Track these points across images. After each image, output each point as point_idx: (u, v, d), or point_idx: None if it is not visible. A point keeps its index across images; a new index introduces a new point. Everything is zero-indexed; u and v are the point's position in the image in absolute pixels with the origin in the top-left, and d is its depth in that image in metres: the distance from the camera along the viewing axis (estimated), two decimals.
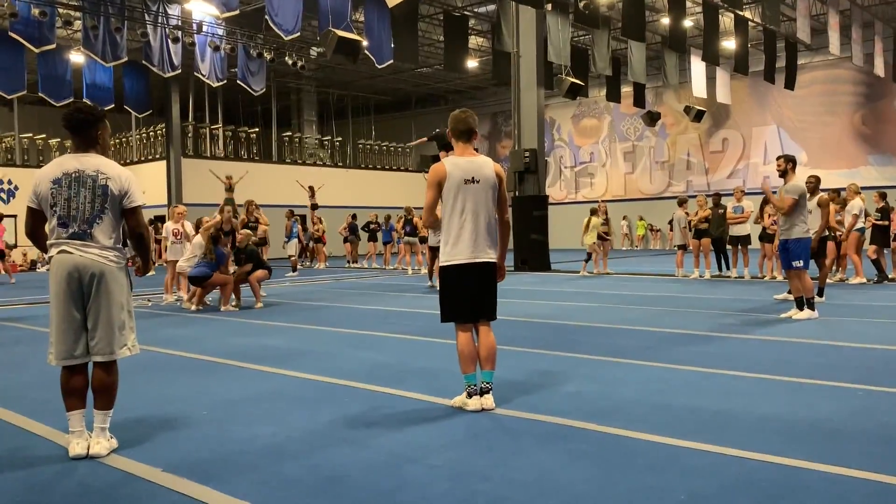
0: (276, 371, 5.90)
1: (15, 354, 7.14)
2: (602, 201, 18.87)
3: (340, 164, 32.73)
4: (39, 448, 3.91)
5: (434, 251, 12.60)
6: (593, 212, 16.23)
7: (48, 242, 3.83)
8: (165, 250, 12.40)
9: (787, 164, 8.52)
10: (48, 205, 3.76)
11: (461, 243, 4.46)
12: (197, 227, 11.37)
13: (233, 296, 10.79)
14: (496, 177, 4.57)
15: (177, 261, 11.75)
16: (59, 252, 3.75)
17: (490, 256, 4.54)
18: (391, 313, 9.97)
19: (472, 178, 4.47)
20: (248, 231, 11.77)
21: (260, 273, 11.07)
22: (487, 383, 4.51)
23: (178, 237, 11.83)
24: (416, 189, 33.69)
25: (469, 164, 4.52)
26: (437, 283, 12.13)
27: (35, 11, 16.14)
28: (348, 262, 22.52)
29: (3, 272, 18.59)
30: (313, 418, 4.40)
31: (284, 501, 3.06)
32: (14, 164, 27.24)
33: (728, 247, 14.54)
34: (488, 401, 4.45)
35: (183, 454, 3.73)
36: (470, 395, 4.48)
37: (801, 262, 8.27)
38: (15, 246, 23.39)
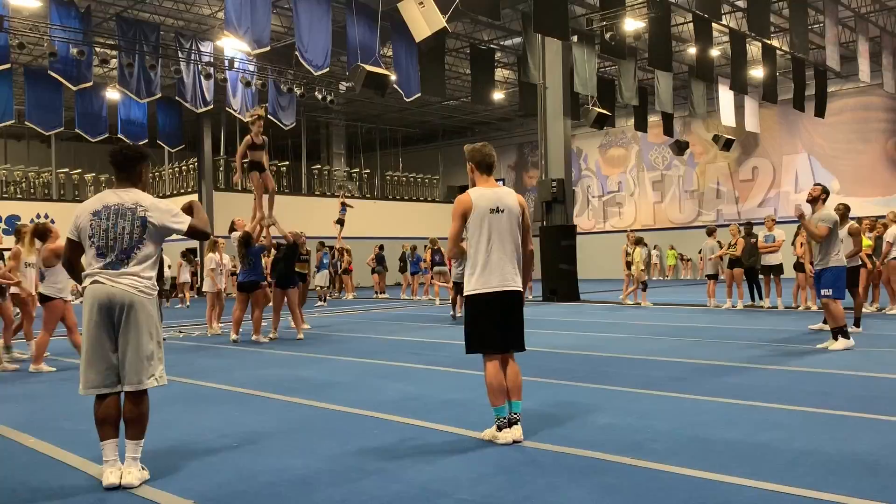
0: (306, 402, 5.89)
1: (49, 385, 7.22)
2: (631, 231, 18.75)
3: (368, 195, 33.00)
4: (72, 479, 3.94)
5: (457, 285, 12.49)
6: (639, 241, 16.15)
7: (84, 273, 3.91)
8: (201, 281, 12.59)
9: (822, 194, 8.46)
10: (86, 235, 3.85)
11: (489, 272, 4.46)
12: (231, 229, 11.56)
13: (264, 327, 10.79)
14: (519, 206, 4.62)
15: (217, 292, 11.85)
16: (92, 282, 3.82)
17: (517, 285, 4.56)
18: (420, 344, 9.94)
19: (497, 207, 4.51)
20: (298, 232, 11.74)
21: (294, 293, 10.97)
22: (516, 414, 4.47)
23: (221, 267, 11.98)
24: (443, 220, 33.80)
25: (494, 193, 4.57)
26: (459, 314, 12.14)
27: (73, 51, 16.63)
28: (376, 292, 22.58)
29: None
30: (343, 450, 4.38)
31: None
32: (51, 199, 27.90)
33: (760, 276, 14.33)
34: (517, 432, 4.41)
35: (214, 486, 3.73)
36: (500, 428, 4.42)
37: (831, 291, 8.12)
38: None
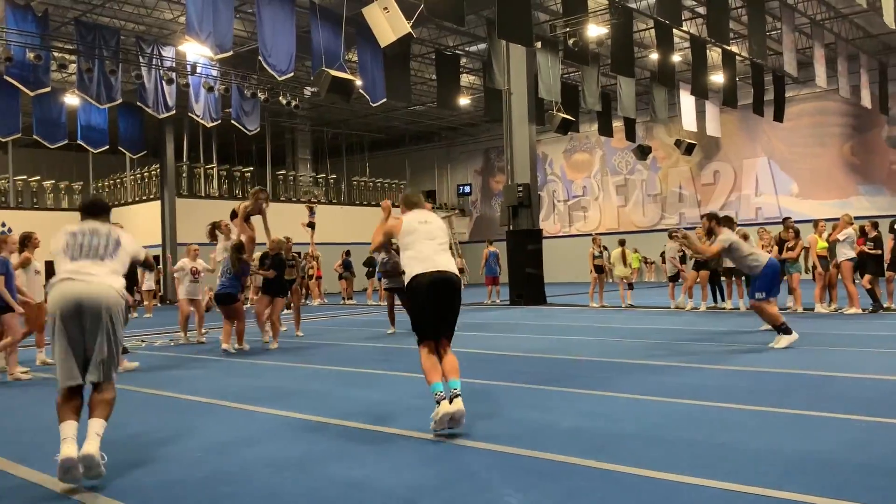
0: (270, 411, 5.83)
1: (6, 398, 7.05)
2: (597, 234, 18.93)
3: (335, 201, 32.83)
4: (29, 491, 3.85)
5: (392, 293, 12.18)
6: (622, 243, 16.37)
7: (52, 280, 4.11)
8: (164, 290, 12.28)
9: (711, 222, 9.12)
10: (62, 250, 4.16)
11: (422, 260, 5.03)
12: (213, 229, 11.33)
13: (234, 338, 10.44)
14: (444, 223, 5.49)
15: (192, 299, 11.60)
16: (61, 280, 4.04)
17: (453, 270, 5.08)
18: (386, 350, 9.91)
19: (425, 220, 5.27)
20: (280, 239, 11.17)
21: (280, 302, 10.77)
22: (455, 390, 4.75)
23: (196, 275, 11.66)
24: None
25: (421, 214, 5.34)
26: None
27: (30, 55, 16.26)
28: (343, 298, 22.45)
29: None
30: (308, 458, 4.35)
31: None
32: (8, 207, 27.23)
33: (723, 278, 14.56)
34: (457, 405, 4.67)
35: (176, 497, 3.67)
36: (438, 402, 4.68)
37: (764, 293, 8.57)
38: None
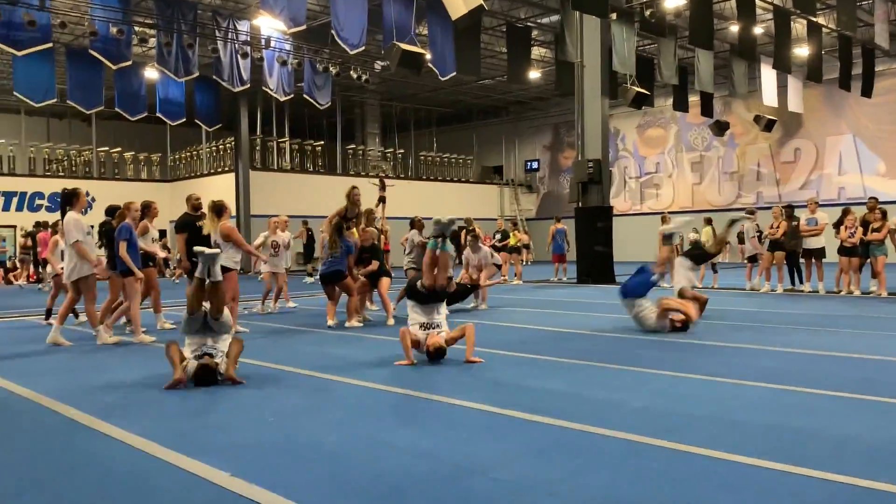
0: (342, 380, 5.92)
1: (96, 360, 7.38)
2: (668, 213, 18.47)
3: (402, 175, 32.99)
4: (112, 450, 4.01)
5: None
6: (709, 221, 15.99)
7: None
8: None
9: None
10: None
11: None
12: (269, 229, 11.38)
13: (358, 312, 10.07)
14: None
15: (274, 272, 11.75)
16: None
17: None
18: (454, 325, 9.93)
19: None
20: (374, 229, 10.78)
21: (386, 282, 10.40)
22: None
23: (276, 249, 11.70)
24: (477, 200, 33.70)
25: None
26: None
27: (113, 30, 16.79)
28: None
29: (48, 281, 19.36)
30: (377, 427, 4.40)
31: None
32: (92, 177, 28.39)
33: (801, 260, 14.03)
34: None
35: (249, 460, 3.77)
36: None
37: None
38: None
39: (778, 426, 4.26)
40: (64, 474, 3.66)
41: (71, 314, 9.96)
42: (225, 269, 8.36)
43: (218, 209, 8.65)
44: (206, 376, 5.62)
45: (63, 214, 8.25)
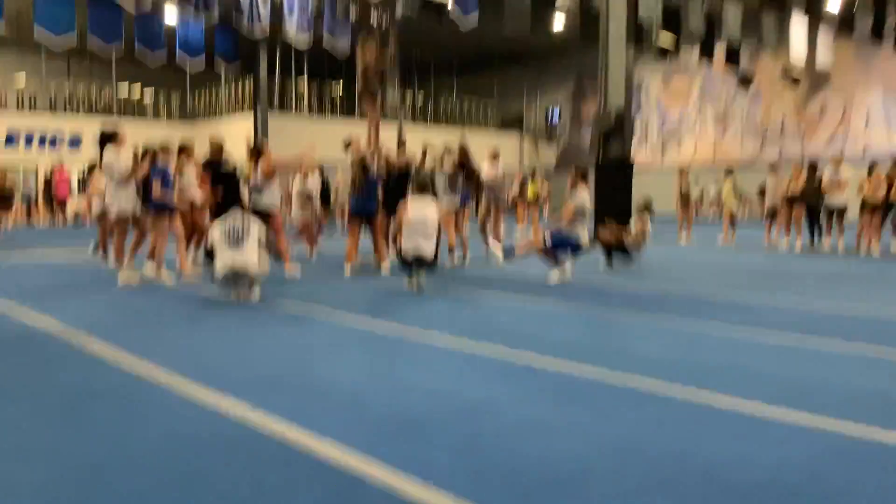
0: (358, 321, 6.01)
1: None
2: (684, 168, 18.27)
3: (422, 120, 32.75)
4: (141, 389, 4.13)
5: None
6: (729, 172, 15.87)
7: None
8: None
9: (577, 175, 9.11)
10: None
11: None
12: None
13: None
14: None
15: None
16: None
17: None
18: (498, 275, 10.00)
19: None
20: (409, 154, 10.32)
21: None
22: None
23: (310, 197, 11.29)
24: (498, 146, 33.39)
25: None
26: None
27: None
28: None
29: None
30: (394, 368, 4.49)
31: (369, 441, 3.14)
32: (111, 115, 28.41)
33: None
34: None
35: (268, 394, 3.87)
36: None
37: None
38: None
39: (796, 377, 4.30)
40: (85, 404, 3.78)
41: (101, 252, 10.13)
42: (268, 215, 8.65)
43: (258, 151, 8.98)
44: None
45: (102, 152, 8.18)
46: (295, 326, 5.87)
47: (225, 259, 6.63)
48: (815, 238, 13.97)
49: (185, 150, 9.15)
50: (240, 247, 6.67)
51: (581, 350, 4.97)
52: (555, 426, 3.41)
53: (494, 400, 3.81)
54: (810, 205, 13.56)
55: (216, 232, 6.79)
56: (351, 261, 9.40)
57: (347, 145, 10.14)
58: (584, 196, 8.92)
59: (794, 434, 3.32)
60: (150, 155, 8.47)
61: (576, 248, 8.89)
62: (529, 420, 3.49)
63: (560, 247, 8.85)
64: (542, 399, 3.85)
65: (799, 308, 6.95)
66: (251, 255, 6.69)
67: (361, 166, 9.46)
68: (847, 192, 13.11)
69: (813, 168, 13.70)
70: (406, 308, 6.73)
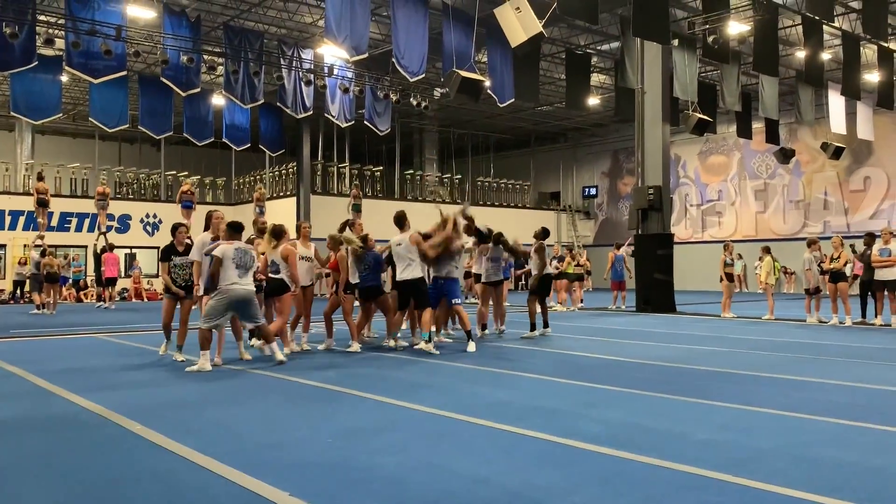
0: (397, 403, 5.93)
1: (151, 373, 7.57)
2: (730, 241, 18.08)
3: (460, 201, 33.11)
4: (180, 468, 4.10)
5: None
6: (767, 250, 15.56)
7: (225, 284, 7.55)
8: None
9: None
10: (230, 260, 7.59)
11: None
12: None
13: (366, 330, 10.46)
14: None
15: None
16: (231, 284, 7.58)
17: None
18: (513, 350, 9.87)
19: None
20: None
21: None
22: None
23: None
24: (534, 225, 33.45)
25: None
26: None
27: (184, 58, 17.46)
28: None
29: (107, 299, 20.05)
30: (434, 451, 4.38)
31: None
32: (159, 200, 29.36)
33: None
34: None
35: (308, 480, 3.80)
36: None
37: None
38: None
39: (850, 463, 4.09)
40: (128, 487, 3.75)
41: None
42: (282, 289, 8.84)
43: (277, 233, 8.99)
44: None
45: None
46: (330, 407, 5.81)
47: None
48: (867, 314, 13.58)
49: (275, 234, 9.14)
50: None
51: (626, 432, 4.81)
52: None
53: (542, 487, 3.68)
54: (863, 279, 13.32)
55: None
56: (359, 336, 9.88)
57: (350, 225, 10.72)
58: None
59: None
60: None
61: None
62: None
63: None
64: (588, 485, 3.70)
65: (851, 386, 6.68)
66: None
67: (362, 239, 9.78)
68: None
69: (869, 241, 13.50)
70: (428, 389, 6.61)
